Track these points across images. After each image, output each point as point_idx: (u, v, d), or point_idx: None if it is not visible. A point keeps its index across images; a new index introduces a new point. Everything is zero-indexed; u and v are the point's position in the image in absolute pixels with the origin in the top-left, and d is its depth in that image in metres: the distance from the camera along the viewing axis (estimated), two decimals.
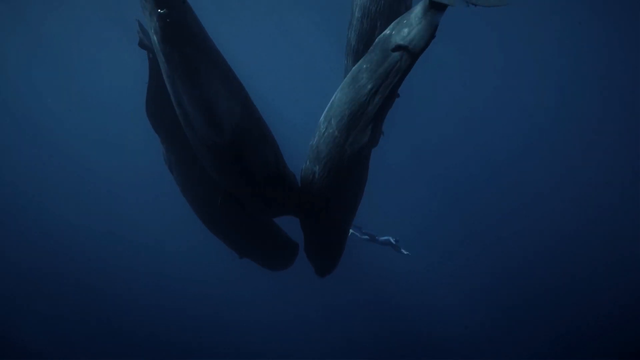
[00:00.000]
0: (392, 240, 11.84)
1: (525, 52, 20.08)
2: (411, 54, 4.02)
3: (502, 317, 17.19)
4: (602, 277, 17.06)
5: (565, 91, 19.89)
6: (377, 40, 4.34)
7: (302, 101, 17.45)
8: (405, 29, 4.07)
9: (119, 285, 17.11)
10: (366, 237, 12.11)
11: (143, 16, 4.44)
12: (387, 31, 4.26)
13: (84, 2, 15.43)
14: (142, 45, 5.15)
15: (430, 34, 3.96)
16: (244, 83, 4.71)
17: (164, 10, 4.13)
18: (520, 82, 20.30)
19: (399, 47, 4.10)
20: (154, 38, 4.30)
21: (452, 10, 4.74)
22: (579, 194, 19.30)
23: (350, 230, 11.95)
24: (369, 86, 4.27)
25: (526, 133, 20.69)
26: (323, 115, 4.69)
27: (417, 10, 4.07)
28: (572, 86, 19.71)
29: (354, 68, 4.51)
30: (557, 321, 16.57)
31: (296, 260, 6.06)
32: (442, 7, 3.92)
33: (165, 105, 5.00)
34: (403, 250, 12.21)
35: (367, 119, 4.28)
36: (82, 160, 19.31)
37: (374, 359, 16.56)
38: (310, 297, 16.65)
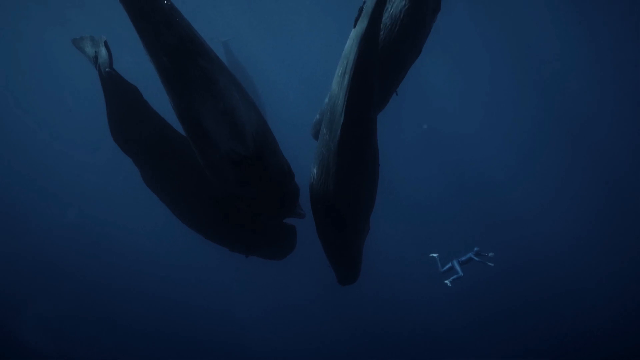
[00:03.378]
0: (475, 250, 11.38)
1: (524, 52, 20.24)
2: (365, 14, 3.97)
3: (500, 317, 17.13)
4: (601, 279, 17.00)
5: (566, 93, 20.01)
6: None
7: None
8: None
9: (119, 282, 17.05)
10: (447, 266, 11.51)
11: (144, 47, 4.10)
12: None
13: None
14: (108, 74, 4.78)
15: None
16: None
17: (175, 26, 3.96)
18: (520, 81, 20.44)
19: (358, 16, 4.11)
20: (163, 60, 4.04)
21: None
22: (580, 196, 19.32)
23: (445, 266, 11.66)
24: (340, 70, 4.22)
25: (525, 134, 20.78)
26: None
27: None
28: (572, 87, 19.84)
29: None
30: (556, 322, 16.51)
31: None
32: None
33: (131, 127, 4.82)
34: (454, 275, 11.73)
35: (340, 107, 4.14)
36: (82, 154, 19.24)
37: (365, 357, 16.55)
38: (308, 294, 16.66)
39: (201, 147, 4.34)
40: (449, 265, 11.53)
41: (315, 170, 4.58)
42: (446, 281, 11.60)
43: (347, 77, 4.07)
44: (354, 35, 4.07)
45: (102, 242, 18.01)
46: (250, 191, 4.62)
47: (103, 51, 4.83)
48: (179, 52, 4.02)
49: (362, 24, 3.94)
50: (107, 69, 4.75)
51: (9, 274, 16.43)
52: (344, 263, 5.09)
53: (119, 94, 4.75)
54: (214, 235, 5.36)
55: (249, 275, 15.53)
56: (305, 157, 5.89)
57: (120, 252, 17.86)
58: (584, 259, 17.68)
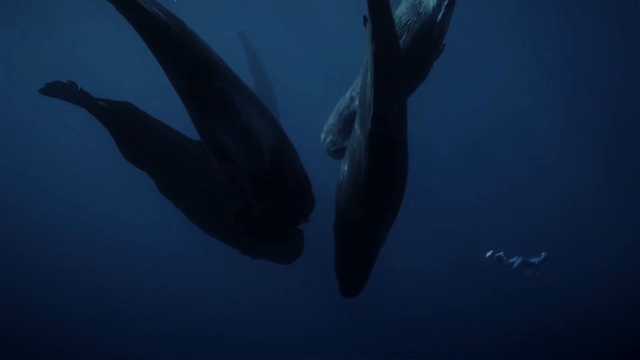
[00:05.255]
0: (544, 255, 11.42)
1: (522, 49, 20.29)
2: (368, 15, 4.02)
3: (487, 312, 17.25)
4: (594, 276, 17.11)
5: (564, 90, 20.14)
6: None
7: None
8: None
9: (118, 279, 17.17)
10: (511, 262, 11.50)
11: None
12: None
13: None
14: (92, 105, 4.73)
15: None
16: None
17: (193, 51, 4.01)
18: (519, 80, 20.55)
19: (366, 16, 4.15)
20: (181, 84, 4.11)
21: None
22: (574, 192, 19.48)
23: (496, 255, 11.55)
24: (363, 69, 4.27)
25: (521, 131, 20.90)
26: None
27: None
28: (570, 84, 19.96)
29: None
30: (548, 319, 16.60)
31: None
32: None
33: (139, 143, 4.86)
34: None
35: (368, 103, 4.15)
36: (81, 153, 19.25)
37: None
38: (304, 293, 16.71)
39: (220, 161, 4.46)
40: (516, 259, 11.48)
41: (345, 167, 4.56)
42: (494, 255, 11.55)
43: (369, 74, 4.13)
44: (366, 37, 4.14)
45: (100, 239, 18.13)
46: (267, 202, 4.71)
47: (81, 96, 4.78)
48: (196, 76, 4.07)
49: (370, 22, 4.02)
50: (95, 108, 4.73)
51: (8, 272, 16.55)
52: (354, 272, 4.92)
53: (117, 119, 4.78)
54: (228, 239, 5.42)
55: (247, 268, 15.55)
56: (320, 154, 5.94)
57: (118, 248, 17.99)
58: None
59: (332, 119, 5.76)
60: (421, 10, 4.61)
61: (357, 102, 5.21)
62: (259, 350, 16.41)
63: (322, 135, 5.90)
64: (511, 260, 11.64)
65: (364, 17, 4.12)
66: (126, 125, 4.81)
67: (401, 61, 4.34)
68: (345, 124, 5.52)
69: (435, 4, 4.58)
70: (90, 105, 4.76)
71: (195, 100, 4.16)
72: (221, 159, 4.43)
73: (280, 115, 13.00)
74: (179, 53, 4.00)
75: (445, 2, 4.55)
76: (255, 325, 16.95)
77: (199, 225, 5.34)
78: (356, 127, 4.41)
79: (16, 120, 19.21)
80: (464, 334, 16.64)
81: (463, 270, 17.69)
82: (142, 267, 17.67)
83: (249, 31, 14.72)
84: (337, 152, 5.70)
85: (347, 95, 5.61)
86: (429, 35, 4.70)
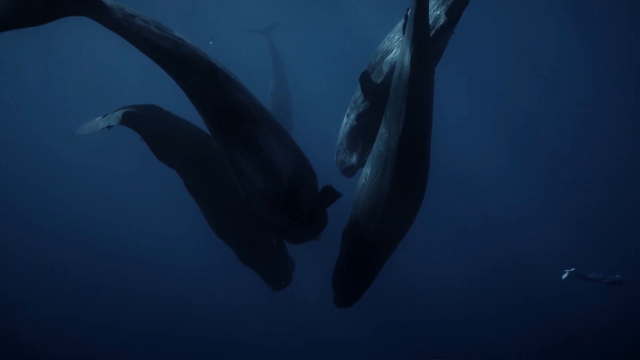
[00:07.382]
0: (619, 277, 11.48)
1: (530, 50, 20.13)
2: (410, 20, 4.03)
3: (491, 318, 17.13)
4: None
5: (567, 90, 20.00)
6: None
7: None
8: None
9: (118, 282, 17.13)
10: (591, 276, 11.57)
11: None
12: None
13: None
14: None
15: None
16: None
17: (223, 99, 4.07)
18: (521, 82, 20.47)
19: (405, 22, 4.22)
20: (209, 124, 4.24)
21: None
22: (571, 198, 19.32)
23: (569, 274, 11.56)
24: (396, 73, 4.24)
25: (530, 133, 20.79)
26: None
27: None
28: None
29: None
30: (548, 325, 16.50)
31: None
32: None
33: (172, 144, 4.98)
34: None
35: (400, 103, 4.13)
36: (83, 153, 19.35)
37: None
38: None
39: (240, 182, 4.60)
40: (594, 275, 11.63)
41: (368, 171, 4.51)
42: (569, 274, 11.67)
43: (403, 77, 4.12)
44: (404, 40, 4.13)
45: (102, 243, 18.15)
46: (282, 221, 4.84)
47: (114, 119, 4.75)
48: (224, 120, 4.17)
49: (410, 30, 3.99)
50: (123, 118, 4.73)
51: (10, 274, 16.60)
52: (355, 282, 4.82)
53: (144, 122, 4.89)
54: (236, 242, 5.51)
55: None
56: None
57: (119, 252, 18.00)
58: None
59: (338, 139, 5.77)
60: None
61: (352, 116, 5.33)
62: (260, 354, 16.48)
63: (335, 156, 5.94)
64: (591, 275, 11.85)
65: (406, 15, 4.19)
66: (154, 126, 4.92)
67: (432, 61, 4.35)
68: (348, 142, 5.56)
69: (431, 23, 4.52)
70: (119, 123, 4.75)
71: (221, 136, 4.28)
72: (241, 181, 4.55)
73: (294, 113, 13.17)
74: (212, 105, 4.07)
75: (441, 23, 4.52)
76: (256, 330, 16.81)
77: (215, 225, 5.42)
78: (383, 130, 4.35)
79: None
80: (475, 338, 16.65)
81: (480, 274, 17.66)
82: (142, 271, 17.64)
83: (274, 29, 14.74)
84: (348, 171, 5.73)
85: (346, 112, 5.61)
86: None
